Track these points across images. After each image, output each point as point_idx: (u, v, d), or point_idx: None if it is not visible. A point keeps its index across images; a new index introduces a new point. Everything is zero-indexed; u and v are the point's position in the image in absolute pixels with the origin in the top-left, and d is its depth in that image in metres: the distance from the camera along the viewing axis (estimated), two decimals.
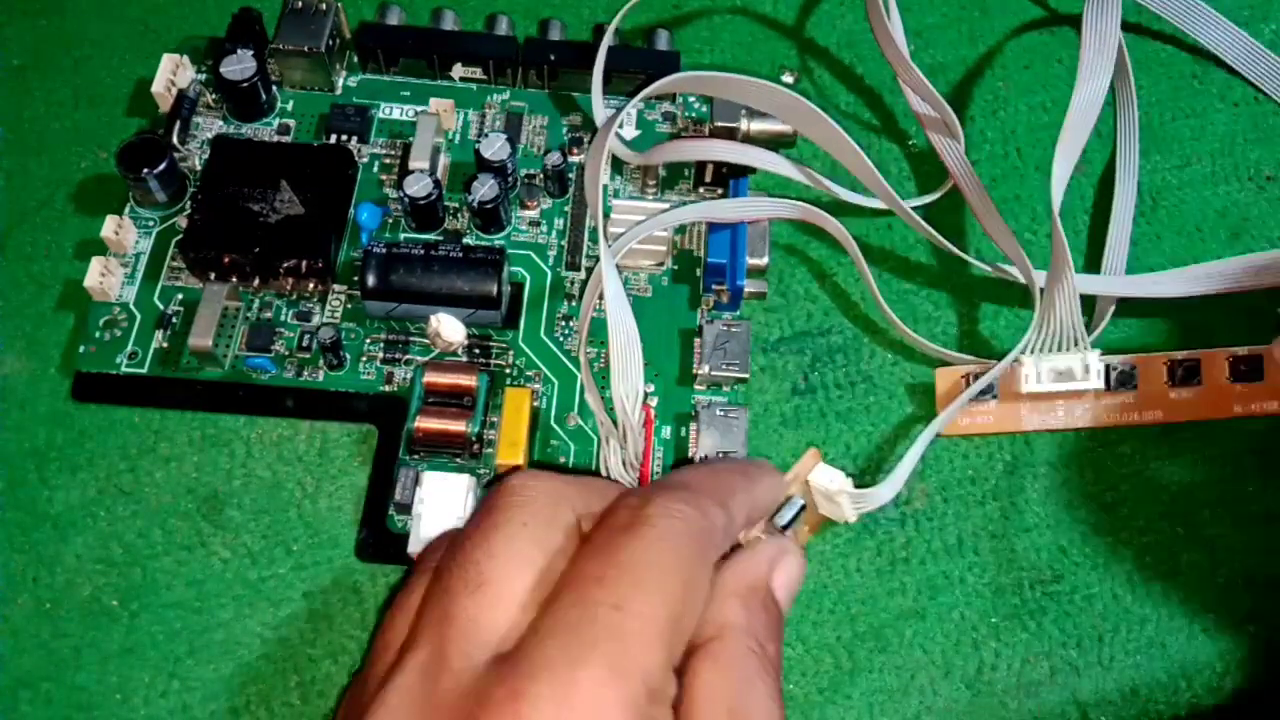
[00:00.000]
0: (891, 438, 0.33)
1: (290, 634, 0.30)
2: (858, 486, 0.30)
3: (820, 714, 0.30)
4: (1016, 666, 0.30)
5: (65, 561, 0.30)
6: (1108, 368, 0.32)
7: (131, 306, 0.33)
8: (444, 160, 0.36)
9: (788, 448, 0.33)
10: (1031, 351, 0.32)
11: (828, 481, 0.29)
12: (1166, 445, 0.33)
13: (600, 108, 0.35)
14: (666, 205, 0.34)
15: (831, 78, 0.39)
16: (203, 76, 0.36)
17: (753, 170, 0.35)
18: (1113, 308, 0.34)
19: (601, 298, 0.31)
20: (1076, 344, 0.32)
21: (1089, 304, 0.34)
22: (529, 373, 0.33)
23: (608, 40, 0.35)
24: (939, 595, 0.31)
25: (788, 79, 0.38)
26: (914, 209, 0.34)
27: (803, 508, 0.30)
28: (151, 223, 0.34)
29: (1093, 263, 0.36)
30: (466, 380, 0.31)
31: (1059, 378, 0.32)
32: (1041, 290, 0.32)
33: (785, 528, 0.29)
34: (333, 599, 0.30)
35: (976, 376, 0.32)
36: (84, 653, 0.30)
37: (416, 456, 0.31)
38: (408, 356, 0.33)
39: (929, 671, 0.30)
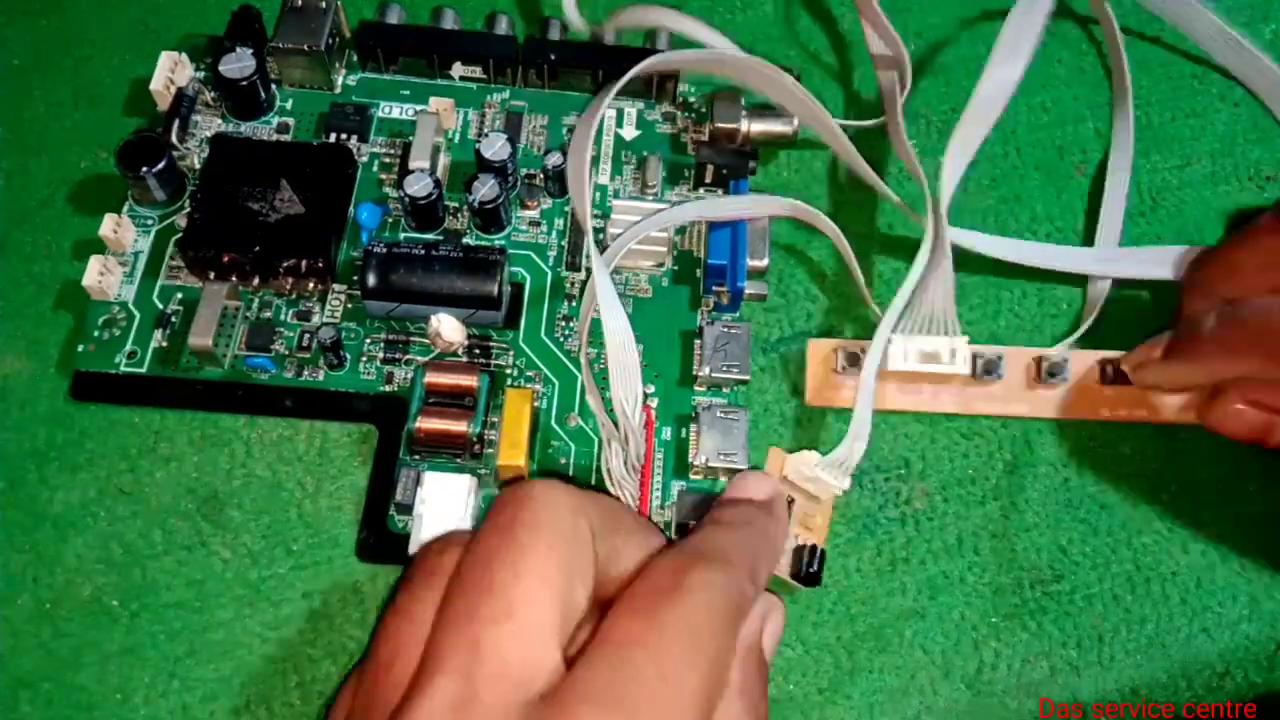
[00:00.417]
0: (891, 438, 0.33)
1: (290, 634, 0.30)
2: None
3: (820, 714, 0.30)
4: (1016, 666, 0.30)
5: (65, 561, 0.30)
6: (975, 356, 0.32)
7: (130, 305, 0.33)
8: (444, 160, 0.35)
9: (788, 448, 0.33)
10: (904, 332, 0.32)
11: (801, 466, 0.30)
12: (1167, 445, 0.33)
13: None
14: (664, 206, 0.34)
15: (832, 78, 0.39)
16: (202, 75, 0.36)
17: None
18: (1103, 299, 0.35)
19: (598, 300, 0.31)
20: (947, 330, 0.32)
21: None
22: (529, 373, 0.33)
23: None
24: (939, 595, 0.31)
25: (788, 77, 0.38)
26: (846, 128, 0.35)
27: (790, 500, 0.30)
28: (150, 221, 0.34)
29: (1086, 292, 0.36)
30: (467, 380, 0.31)
31: (925, 359, 0.32)
32: (922, 273, 0.32)
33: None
34: (333, 599, 0.30)
35: (848, 352, 0.33)
36: (84, 653, 0.29)
37: (417, 457, 0.31)
38: (408, 356, 0.33)
39: (929, 671, 0.30)
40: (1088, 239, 0.36)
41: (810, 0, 0.40)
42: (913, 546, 0.32)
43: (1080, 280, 0.35)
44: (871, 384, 0.30)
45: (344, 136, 0.36)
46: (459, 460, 0.31)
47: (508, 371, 0.33)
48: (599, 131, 0.36)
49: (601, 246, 0.33)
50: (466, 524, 0.29)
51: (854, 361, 0.32)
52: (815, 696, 0.30)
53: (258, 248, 0.32)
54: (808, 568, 0.30)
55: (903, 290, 0.32)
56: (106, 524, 0.31)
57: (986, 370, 0.32)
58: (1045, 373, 0.33)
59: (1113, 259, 0.35)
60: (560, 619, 0.22)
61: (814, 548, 0.30)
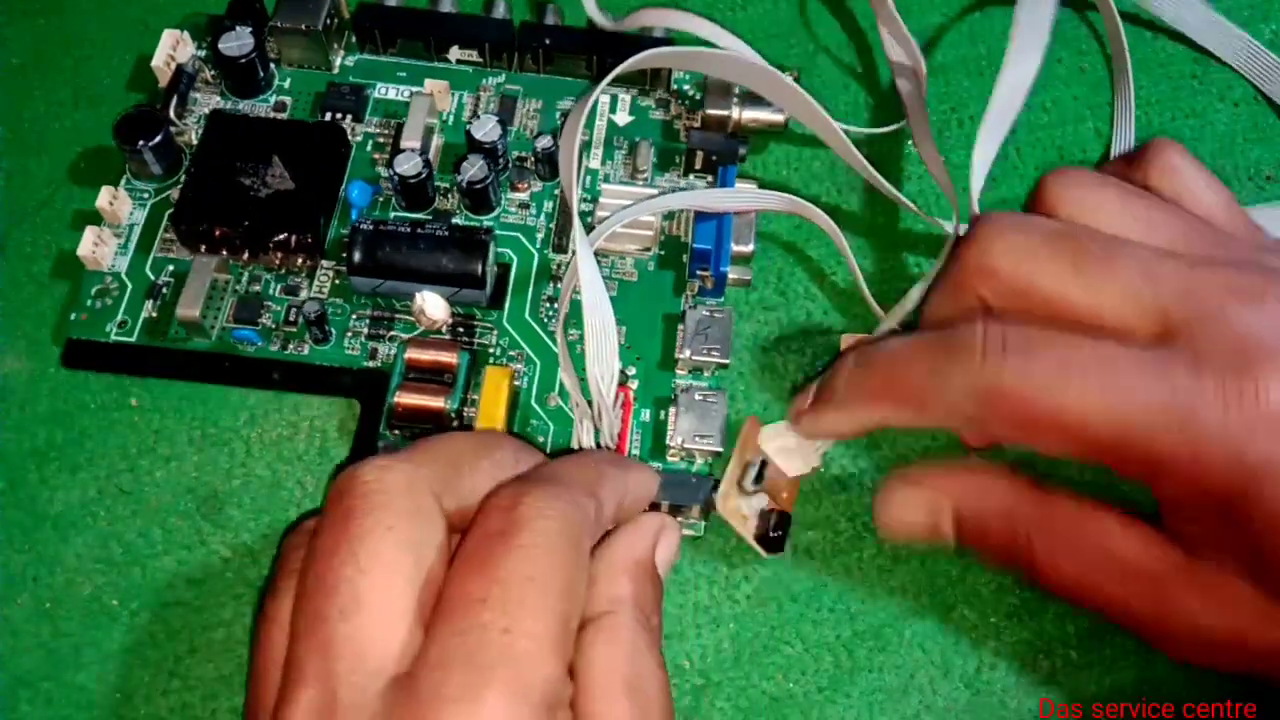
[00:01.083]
0: (891, 437, 0.33)
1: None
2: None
3: (820, 713, 0.30)
4: (1016, 666, 0.30)
5: (65, 561, 0.30)
6: None
7: (123, 276, 0.33)
8: (437, 141, 0.36)
9: None
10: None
11: (776, 437, 0.31)
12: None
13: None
14: (655, 191, 0.34)
15: (833, 77, 0.39)
16: (203, 53, 0.37)
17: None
18: None
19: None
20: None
21: None
22: (512, 352, 0.33)
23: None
24: (939, 594, 0.31)
25: (788, 78, 0.38)
26: (852, 135, 0.34)
27: (764, 464, 0.30)
28: (146, 195, 0.35)
29: None
30: (447, 357, 0.31)
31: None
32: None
33: (756, 483, 0.30)
34: None
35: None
36: (84, 652, 0.30)
37: (396, 432, 0.31)
38: (392, 333, 0.33)
39: (929, 671, 0.30)
40: None
41: None
42: (913, 546, 0.31)
43: None
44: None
45: (340, 116, 0.36)
46: None
47: (490, 351, 0.33)
48: (592, 115, 0.36)
49: (589, 228, 0.34)
50: None
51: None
52: (815, 695, 0.30)
53: (248, 222, 0.33)
54: (772, 531, 0.30)
55: (918, 287, 0.32)
56: (106, 524, 0.31)
57: None
58: None
59: None
60: (414, 598, 0.22)
61: (781, 513, 0.30)
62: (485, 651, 0.21)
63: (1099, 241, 0.26)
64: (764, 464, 0.31)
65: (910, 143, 0.37)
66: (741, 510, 0.30)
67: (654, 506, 0.30)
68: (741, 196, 0.34)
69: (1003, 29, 0.39)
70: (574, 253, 0.32)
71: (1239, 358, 0.24)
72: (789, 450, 0.31)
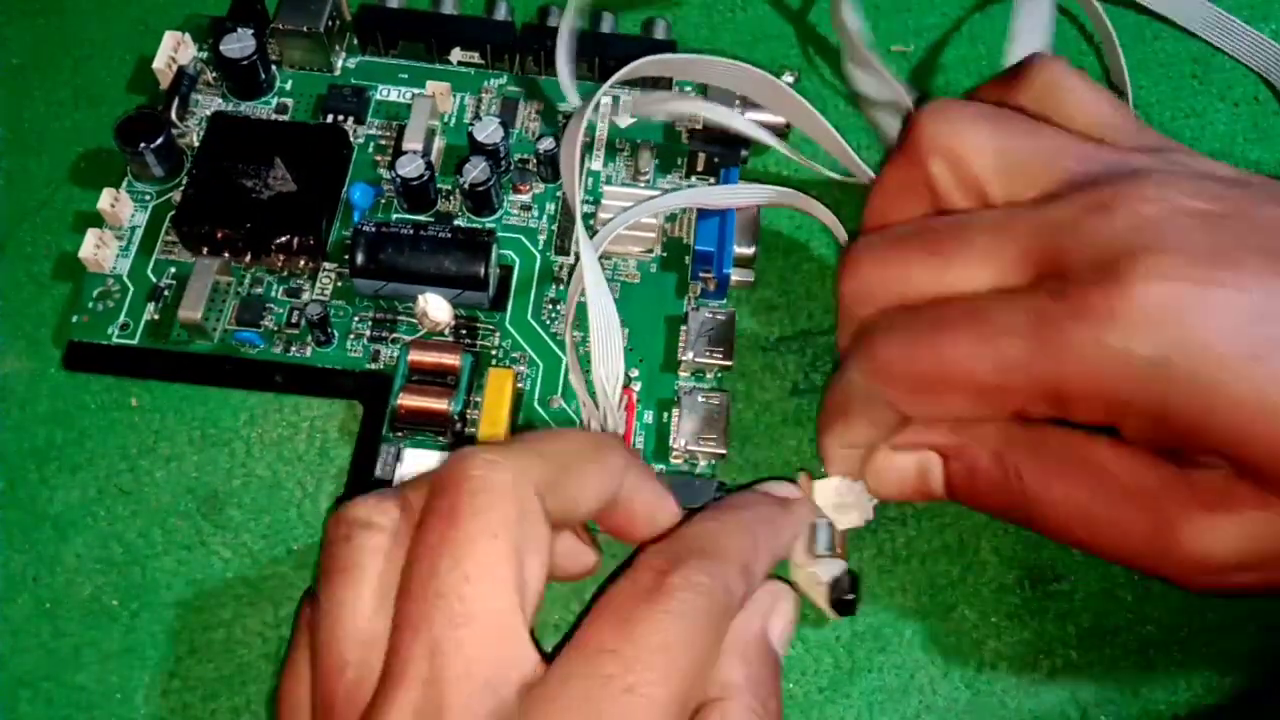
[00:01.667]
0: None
1: (290, 634, 0.30)
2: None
3: (820, 713, 0.30)
4: (1016, 666, 0.30)
5: (65, 561, 0.30)
6: None
7: (125, 279, 0.33)
8: (439, 143, 0.36)
9: (788, 447, 0.33)
10: None
11: (830, 493, 0.30)
12: None
13: (568, 82, 0.35)
14: (656, 192, 0.34)
15: (833, 77, 0.39)
16: (204, 55, 0.37)
17: (764, 150, 0.35)
18: None
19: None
20: None
21: None
22: (514, 354, 0.33)
23: (568, 19, 0.35)
24: (939, 595, 0.31)
25: (788, 79, 0.38)
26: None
27: (832, 525, 0.30)
28: (148, 197, 0.35)
29: None
30: (450, 359, 0.31)
31: None
32: None
33: (830, 549, 0.29)
34: None
35: None
36: (84, 652, 0.30)
37: (399, 434, 0.31)
38: (395, 335, 0.33)
39: (929, 671, 0.30)
40: None
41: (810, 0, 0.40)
42: (913, 546, 0.32)
43: None
44: None
45: (341, 118, 0.36)
46: (440, 439, 0.31)
47: (493, 353, 0.33)
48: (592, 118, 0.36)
49: (591, 231, 0.34)
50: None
51: None
52: (815, 695, 0.30)
53: (250, 224, 0.33)
54: (847, 594, 0.29)
55: None
56: (106, 524, 0.31)
57: None
58: None
59: None
60: (518, 603, 0.22)
61: (850, 573, 0.29)
62: (603, 703, 0.21)
63: (946, 222, 0.27)
64: (832, 525, 0.30)
65: None
66: (818, 576, 0.29)
67: None
68: (742, 192, 0.34)
69: (1003, 28, 0.40)
70: (577, 256, 0.32)
71: (1099, 270, 0.23)
72: (844, 505, 0.30)
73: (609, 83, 0.33)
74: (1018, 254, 0.25)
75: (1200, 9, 0.39)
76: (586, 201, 0.35)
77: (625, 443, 0.28)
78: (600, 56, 0.36)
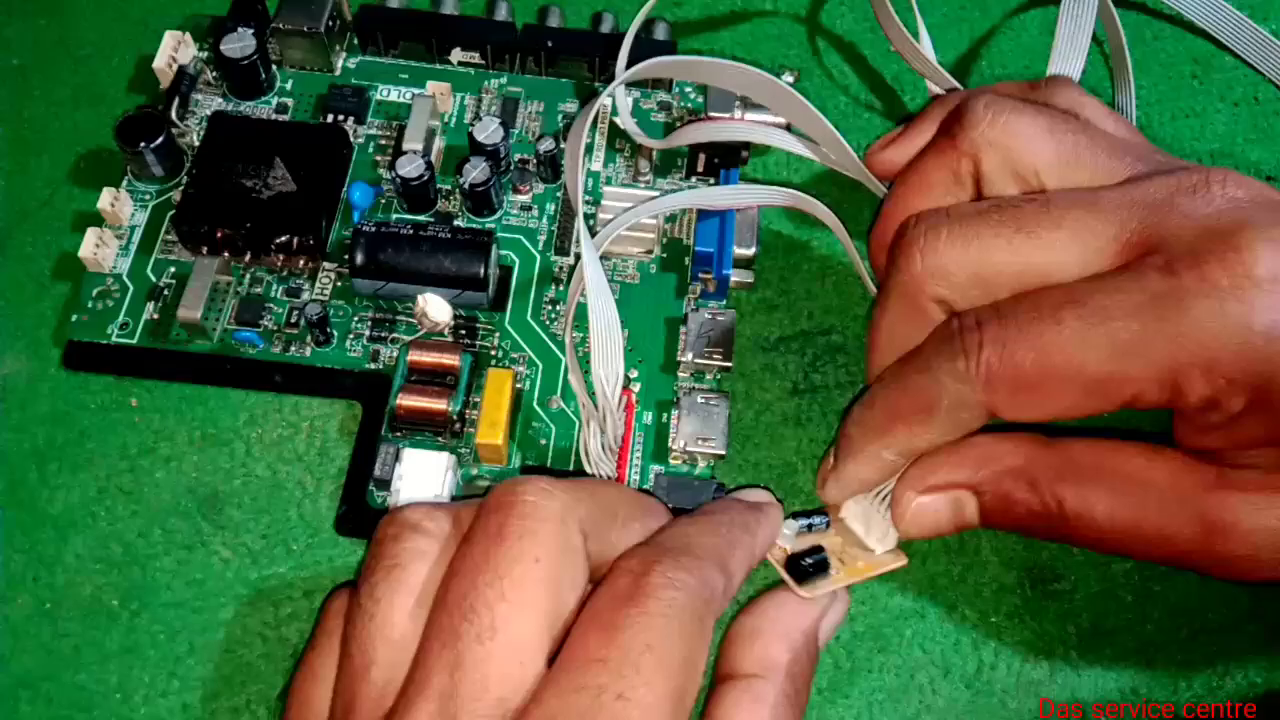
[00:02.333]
0: None
1: (290, 634, 0.30)
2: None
3: (820, 714, 0.30)
4: (1016, 666, 0.30)
5: (65, 561, 0.30)
6: None
7: (125, 278, 0.33)
8: (439, 143, 0.36)
9: (788, 448, 0.33)
10: None
11: (858, 511, 0.30)
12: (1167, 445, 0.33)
13: (624, 103, 0.35)
14: (656, 193, 0.34)
15: (833, 77, 0.39)
16: (204, 54, 0.37)
17: (764, 151, 0.35)
18: None
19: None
20: None
21: None
22: (514, 355, 0.33)
23: (630, 37, 0.35)
24: (939, 595, 0.31)
25: (788, 78, 0.38)
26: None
27: (826, 514, 0.30)
28: (148, 196, 0.35)
29: None
30: (450, 359, 0.31)
31: None
32: None
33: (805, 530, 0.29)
34: None
35: None
36: (84, 652, 0.30)
37: (398, 434, 0.31)
38: (394, 335, 0.33)
39: (929, 671, 0.30)
40: None
41: (810, 0, 0.40)
42: (913, 546, 0.31)
43: None
44: None
45: (341, 118, 0.36)
46: (440, 439, 0.31)
47: (493, 353, 0.33)
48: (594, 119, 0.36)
49: (592, 231, 0.34)
50: (444, 500, 0.30)
51: None
52: (815, 696, 0.30)
53: (249, 224, 0.33)
54: (802, 561, 0.28)
55: None
56: (106, 524, 0.31)
57: None
58: None
59: None
60: (546, 633, 0.22)
61: (819, 552, 0.29)
62: (596, 714, 0.21)
63: (1029, 200, 0.26)
64: (824, 514, 0.30)
65: None
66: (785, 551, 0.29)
67: None
68: (745, 193, 0.34)
69: (1003, 28, 0.40)
70: (578, 256, 0.32)
71: (1209, 242, 0.23)
72: (870, 523, 0.29)
73: (613, 85, 0.33)
74: (1111, 233, 0.25)
75: (1207, 5, 0.39)
76: (586, 202, 0.35)
77: (667, 512, 0.27)
78: (600, 57, 0.36)
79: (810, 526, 0.30)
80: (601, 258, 0.34)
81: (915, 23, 0.36)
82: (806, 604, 0.26)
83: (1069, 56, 0.34)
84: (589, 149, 0.36)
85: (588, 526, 0.24)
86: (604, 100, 0.34)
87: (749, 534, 0.27)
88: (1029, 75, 0.39)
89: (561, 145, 0.35)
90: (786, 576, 0.29)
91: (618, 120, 0.35)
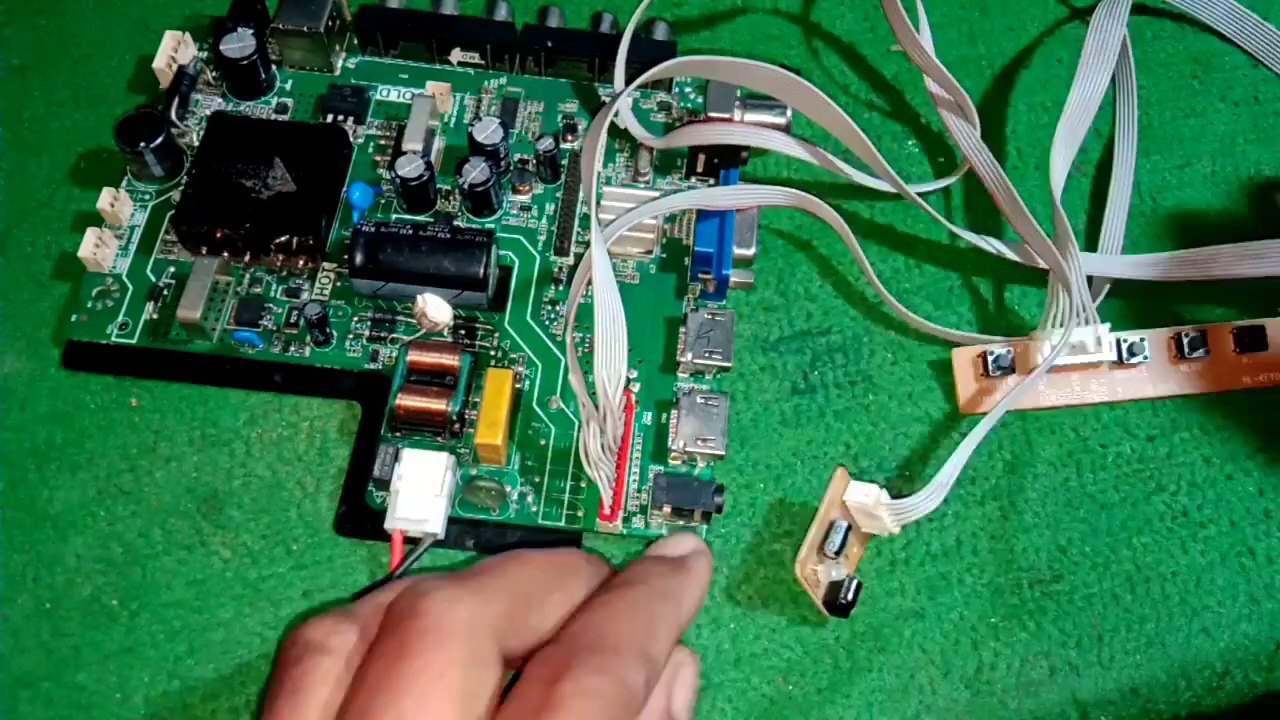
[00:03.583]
0: (891, 437, 0.33)
1: None
2: (894, 496, 0.30)
3: (820, 714, 0.30)
4: (1016, 666, 0.30)
5: (65, 561, 0.30)
6: (1118, 341, 0.33)
7: (124, 278, 0.33)
8: (439, 143, 0.36)
9: (788, 447, 0.33)
10: (1048, 326, 0.32)
11: (863, 497, 0.30)
12: (1167, 446, 0.33)
13: (625, 100, 0.35)
14: (657, 194, 0.34)
15: (832, 76, 0.39)
16: (204, 54, 0.37)
17: (763, 152, 0.35)
18: (1105, 289, 0.35)
19: (590, 280, 0.31)
20: (1087, 320, 0.32)
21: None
22: (513, 355, 0.33)
23: (628, 36, 0.35)
24: (938, 595, 0.31)
25: (809, 84, 0.38)
26: (925, 194, 0.35)
27: (849, 529, 0.30)
28: (147, 196, 0.35)
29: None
30: (449, 360, 0.31)
31: (1073, 351, 0.32)
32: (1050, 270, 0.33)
33: (837, 553, 0.30)
34: (332, 599, 0.30)
35: (991, 354, 0.33)
36: (84, 652, 0.30)
37: (398, 434, 0.31)
38: (394, 335, 0.33)
39: (928, 671, 0.30)
40: (1088, 238, 0.36)
41: (810, 0, 0.40)
42: (912, 547, 0.32)
43: None
44: (973, 443, 0.30)
45: (341, 118, 0.36)
46: (439, 439, 0.31)
47: (492, 353, 0.33)
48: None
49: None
50: (443, 501, 0.30)
51: (1005, 366, 0.33)
52: (814, 696, 0.30)
53: (249, 224, 0.33)
54: (841, 598, 0.29)
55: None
56: (106, 524, 0.31)
57: (1131, 353, 0.33)
58: (1187, 347, 0.33)
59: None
60: None
61: (853, 580, 0.30)
62: None
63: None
64: (849, 529, 0.30)
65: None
66: (818, 575, 0.30)
67: (656, 508, 0.30)
68: (747, 193, 0.34)
69: (1003, 29, 0.40)
70: (578, 257, 0.32)
71: None
72: (874, 515, 0.30)
73: (635, 84, 0.33)
74: None
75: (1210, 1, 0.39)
76: (585, 202, 0.35)
77: (586, 557, 0.27)
78: (600, 57, 0.36)
79: (843, 547, 0.30)
80: None
81: (918, 18, 0.36)
82: (652, 699, 0.24)
83: (1096, 69, 0.34)
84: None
85: (502, 624, 0.23)
86: (622, 103, 0.33)
87: (674, 603, 0.26)
88: (1028, 76, 0.39)
89: (562, 146, 0.35)
90: (824, 610, 0.30)
91: (618, 120, 0.35)
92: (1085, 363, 0.32)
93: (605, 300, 0.30)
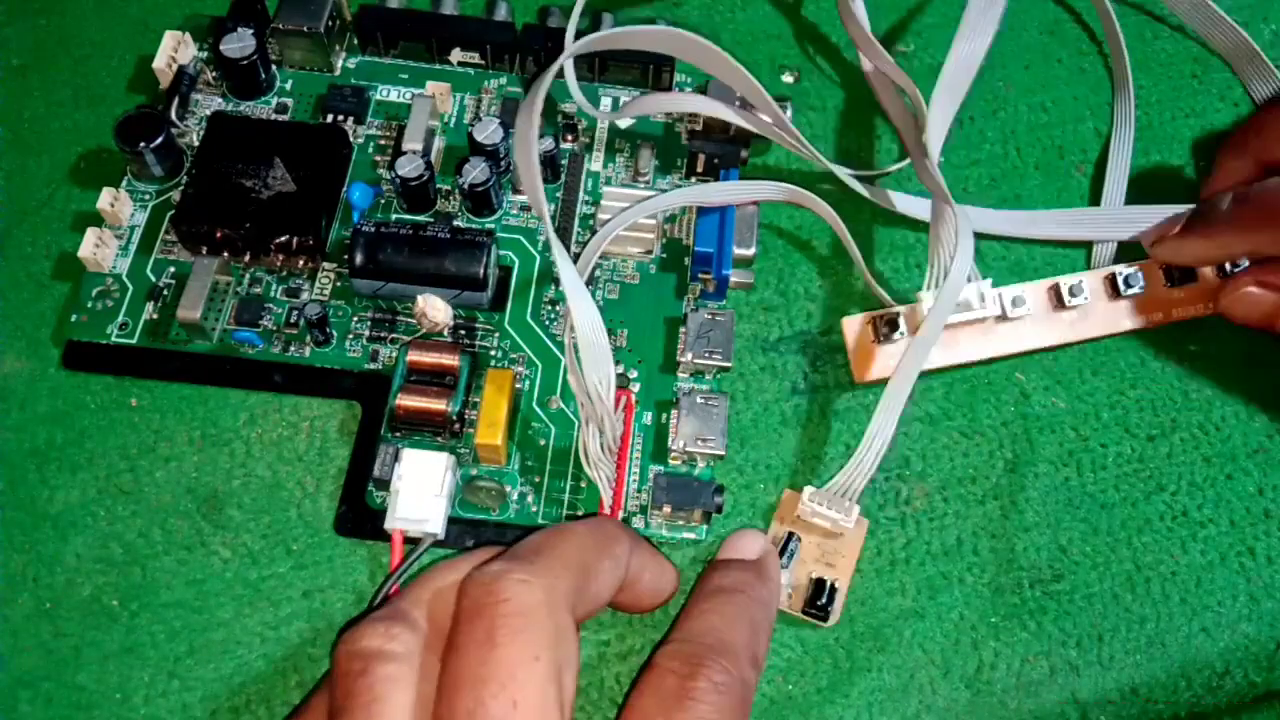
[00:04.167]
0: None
1: (290, 634, 0.30)
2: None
3: (820, 714, 0.30)
4: (1016, 666, 0.30)
5: (65, 561, 0.30)
6: (999, 295, 0.33)
7: (124, 278, 0.33)
8: (439, 143, 0.36)
9: (787, 448, 0.33)
10: (930, 288, 0.32)
11: (807, 503, 0.30)
12: (1166, 446, 0.33)
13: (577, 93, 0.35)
14: (654, 193, 0.34)
15: (832, 76, 0.39)
16: (204, 54, 0.37)
17: (765, 148, 0.36)
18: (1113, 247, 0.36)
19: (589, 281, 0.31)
20: (969, 279, 0.32)
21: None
22: (513, 355, 0.33)
23: (578, 10, 0.35)
24: (938, 595, 0.31)
25: (788, 79, 0.38)
26: (873, 176, 0.36)
27: (793, 537, 0.30)
28: (147, 196, 0.35)
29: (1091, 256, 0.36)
30: (449, 360, 0.31)
31: (958, 308, 0.32)
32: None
33: (785, 565, 0.30)
34: (332, 599, 0.30)
35: (883, 319, 0.33)
36: (84, 653, 0.30)
37: (398, 434, 0.31)
38: (394, 335, 0.33)
39: (928, 671, 0.30)
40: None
41: (809, 0, 0.40)
42: (912, 547, 0.32)
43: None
44: (904, 392, 0.30)
45: (341, 118, 0.36)
46: (439, 439, 0.31)
47: (492, 353, 0.33)
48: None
49: (591, 232, 0.34)
50: (443, 501, 0.30)
51: (893, 327, 0.33)
52: (814, 696, 0.30)
53: (249, 224, 0.33)
54: (816, 600, 0.30)
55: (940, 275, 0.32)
56: (106, 524, 0.31)
57: (1014, 304, 0.33)
58: (1068, 295, 0.33)
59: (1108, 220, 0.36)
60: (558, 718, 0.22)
61: (826, 582, 0.30)
62: None
63: None
64: (792, 537, 0.30)
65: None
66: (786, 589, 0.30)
67: (656, 508, 0.30)
68: (740, 188, 0.34)
69: (1002, 29, 0.40)
70: (582, 255, 0.32)
71: None
72: (824, 513, 0.30)
73: (567, 53, 0.33)
74: None
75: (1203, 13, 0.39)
76: (586, 201, 0.35)
77: (619, 522, 0.28)
78: (599, 56, 0.36)
79: (791, 556, 0.30)
80: (601, 257, 0.34)
81: None
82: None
83: (977, 30, 0.34)
84: (588, 148, 0.36)
85: (572, 598, 0.23)
86: (548, 79, 0.33)
87: (767, 609, 0.28)
88: (1028, 76, 0.39)
89: (562, 146, 0.35)
90: (813, 620, 0.30)
91: (575, 104, 0.35)
92: (972, 319, 0.32)
93: (579, 306, 0.30)
